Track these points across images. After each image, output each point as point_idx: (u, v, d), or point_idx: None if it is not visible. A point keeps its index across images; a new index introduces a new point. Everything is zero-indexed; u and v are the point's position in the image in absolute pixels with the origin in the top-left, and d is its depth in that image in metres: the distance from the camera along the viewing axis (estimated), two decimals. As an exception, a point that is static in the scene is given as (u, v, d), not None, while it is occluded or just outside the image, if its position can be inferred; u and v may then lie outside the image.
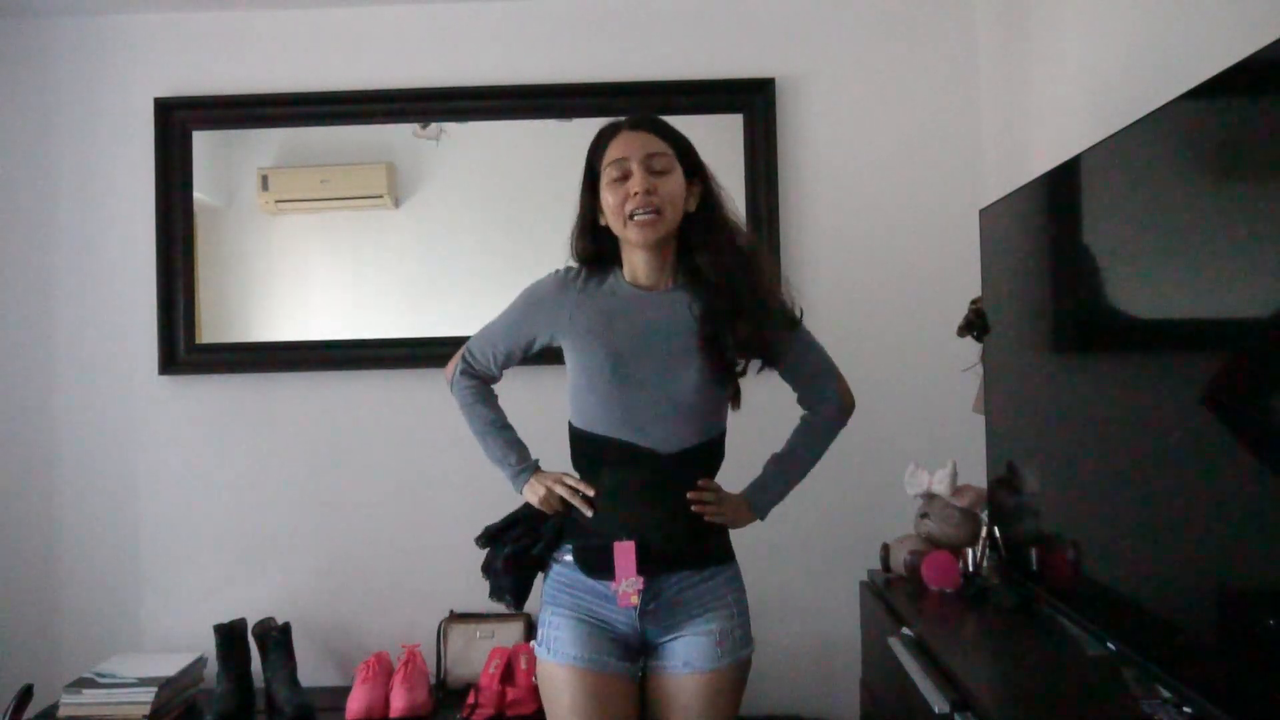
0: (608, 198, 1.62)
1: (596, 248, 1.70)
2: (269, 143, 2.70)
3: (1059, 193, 1.77)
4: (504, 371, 1.82)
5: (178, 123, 2.67)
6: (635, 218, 1.59)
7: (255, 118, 2.69)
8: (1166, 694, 1.34)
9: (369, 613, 2.66)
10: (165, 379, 2.67)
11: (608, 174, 1.62)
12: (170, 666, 2.46)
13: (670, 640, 1.63)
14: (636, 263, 1.67)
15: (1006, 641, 1.79)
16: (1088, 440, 1.65)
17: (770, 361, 1.69)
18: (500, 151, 2.69)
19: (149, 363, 2.66)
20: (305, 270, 2.70)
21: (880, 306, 2.63)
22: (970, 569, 2.01)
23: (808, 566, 2.62)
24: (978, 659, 1.75)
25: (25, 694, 2.26)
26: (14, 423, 2.69)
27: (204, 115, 2.68)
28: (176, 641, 2.64)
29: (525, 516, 1.74)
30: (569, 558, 1.66)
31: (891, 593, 2.06)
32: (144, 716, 2.32)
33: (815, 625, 2.62)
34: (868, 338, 2.63)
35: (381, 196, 2.67)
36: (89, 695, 2.35)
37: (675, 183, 1.62)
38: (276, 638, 2.49)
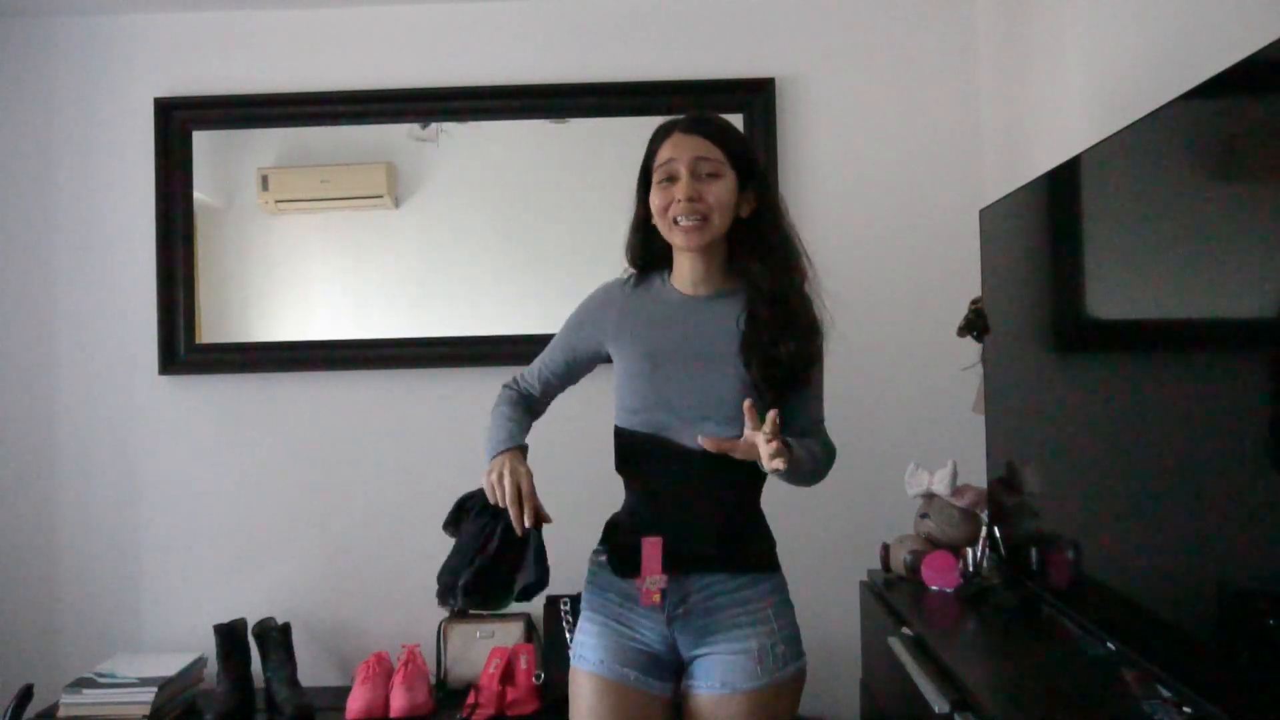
0: (655, 200, 1.60)
1: (646, 247, 1.68)
2: (269, 143, 2.70)
3: (1059, 193, 1.77)
4: (550, 397, 1.77)
5: (178, 123, 2.67)
6: (679, 223, 1.57)
7: (255, 118, 2.69)
8: (1166, 694, 1.34)
9: (369, 613, 2.66)
10: (165, 379, 2.67)
11: (657, 175, 1.60)
12: (170, 666, 2.46)
13: (704, 656, 1.56)
14: (684, 265, 1.64)
15: (1006, 641, 1.79)
16: (1088, 440, 1.65)
17: (795, 385, 1.60)
18: (500, 151, 2.69)
19: (149, 363, 2.66)
20: (305, 270, 2.70)
21: (880, 306, 2.63)
22: (970, 569, 2.01)
23: (808, 566, 2.61)
24: (978, 659, 1.75)
25: (25, 694, 2.27)
26: (14, 423, 2.69)
27: (204, 115, 2.68)
28: (176, 641, 2.64)
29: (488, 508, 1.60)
30: (603, 558, 1.63)
31: (891, 593, 2.06)
32: (144, 716, 2.32)
33: (815, 625, 2.60)
34: (868, 338, 2.63)
35: (381, 196, 2.67)
36: (89, 695, 2.34)
37: (724, 189, 1.58)
38: (276, 638, 2.49)
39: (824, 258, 2.63)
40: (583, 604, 1.65)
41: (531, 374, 1.76)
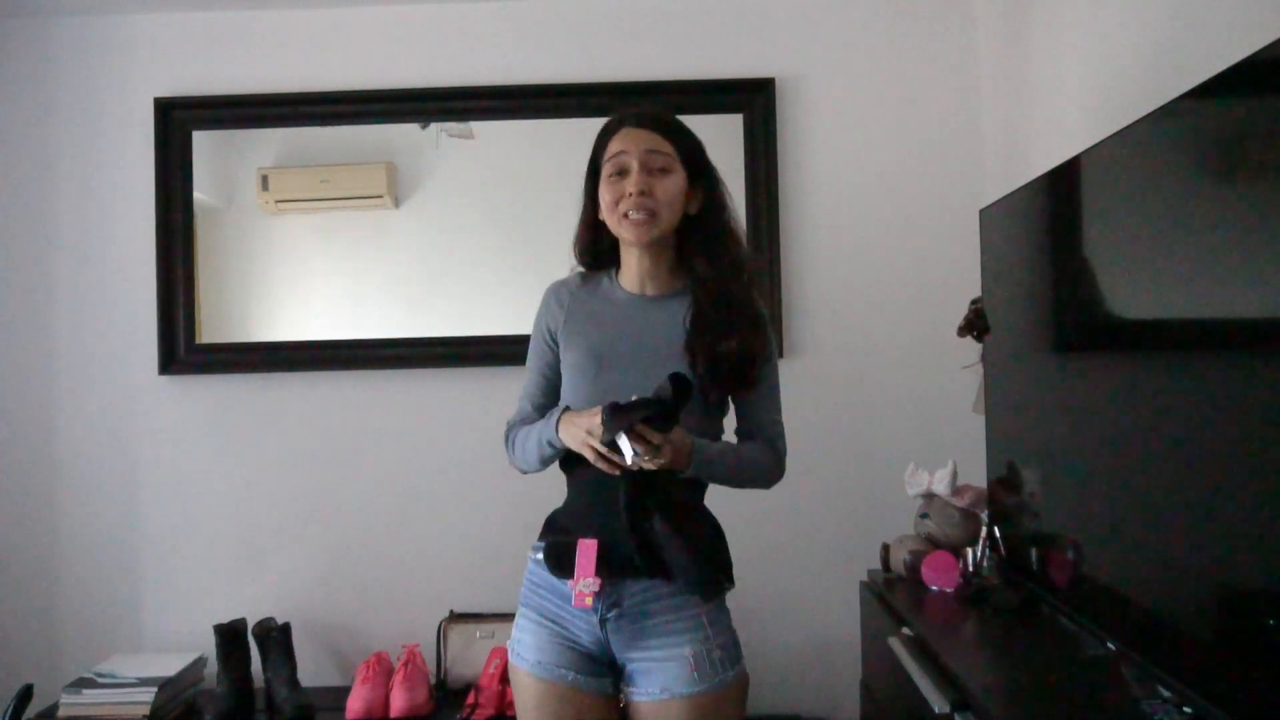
0: (604, 193, 1.58)
1: (596, 243, 1.67)
2: (269, 143, 2.70)
3: (1059, 193, 1.77)
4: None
5: (178, 123, 2.67)
6: (629, 216, 1.56)
7: (255, 118, 2.69)
8: (1166, 694, 1.34)
9: (369, 613, 2.66)
10: (165, 379, 2.67)
11: (606, 169, 1.58)
12: (170, 666, 2.46)
13: (641, 661, 1.55)
14: (631, 262, 1.63)
15: (1006, 641, 1.79)
16: (1088, 440, 1.65)
17: (743, 385, 1.59)
18: (500, 151, 2.69)
19: (149, 363, 2.66)
20: (305, 270, 2.70)
21: (880, 306, 2.63)
22: (970, 569, 2.01)
23: (808, 566, 2.62)
24: (978, 659, 1.75)
25: (25, 694, 2.27)
26: (14, 423, 2.69)
27: (204, 115, 2.68)
28: (176, 641, 2.64)
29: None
30: (540, 555, 1.61)
31: (891, 593, 2.06)
32: (144, 716, 2.32)
33: (815, 625, 2.62)
34: (868, 338, 2.63)
35: (381, 196, 2.67)
36: (89, 695, 2.35)
37: (674, 184, 1.57)
38: (276, 638, 2.49)
39: (824, 258, 2.67)
40: (520, 599, 1.64)
41: (521, 410, 1.71)
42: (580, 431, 1.50)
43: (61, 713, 2.35)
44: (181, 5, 2.66)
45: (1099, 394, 1.63)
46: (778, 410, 1.68)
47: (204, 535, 2.68)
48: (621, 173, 1.57)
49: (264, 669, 2.48)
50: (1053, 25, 2.17)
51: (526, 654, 1.58)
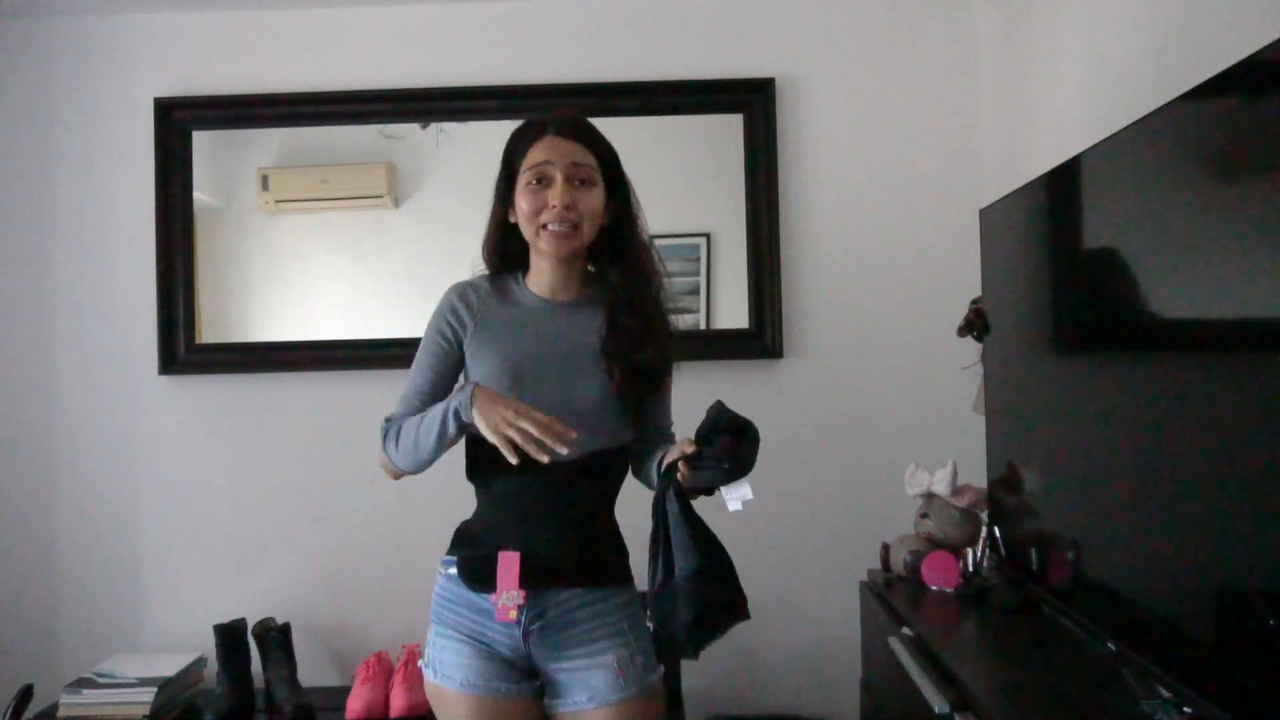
0: (522, 203, 1.56)
1: (506, 245, 1.65)
2: (269, 143, 2.70)
3: (1059, 193, 1.77)
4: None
5: (178, 123, 2.67)
6: (549, 228, 1.54)
7: (255, 118, 2.69)
8: (1166, 694, 1.34)
9: (369, 613, 2.66)
10: (165, 379, 2.67)
11: (526, 177, 1.56)
12: (170, 666, 2.46)
13: (565, 671, 1.55)
14: (544, 270, 1.62)
15: (1006, 641, 1.79)
16: (1088, 440, 1.65)
17: (653, 391, 1.61)
18: (500, 151, 2.68)
19: (149, 363, 2.66)
20: (305, 270, 2.70)
21: (880, 306, 2.63)
22: (970, 569, 2.01)
23: (808, 566, 2.62)
24: (978, 659, 1.75)
25: (25, 694, 2.27)
26: (14, 423, 2.68)
27: (204, 115, 2.67)
28: (176, 641, 2.64)
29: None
30: (453, 570, 1.57)
31: (891, 593, 2.06)
32: (144, 716, 2.32)
33: (815, 625, 2.62)
34: (868, 337, 2.64)
35: (381, 196, 2.67)
36: (89, 695, 2.34)
37: (596, 197, 1.56)
38: (276, 638, 2.49)
39: (824, 258, 2.67)
40: (432, 617, 1.61)
41: (404, 409, 1.63)
42: (503, 414, 1.42)
43: (61, 713, 2.35)
44: (181, 5, 2.66)
45: (1099, 394, 1.63)
46: (669, 418, 1.70)
47: (204, 535, 2.68)
48: (541, 181, 1.55)
49: (264, 669, 2.48)
50: (1053, 25, 2.17)
51: (452, 673, 1.54)
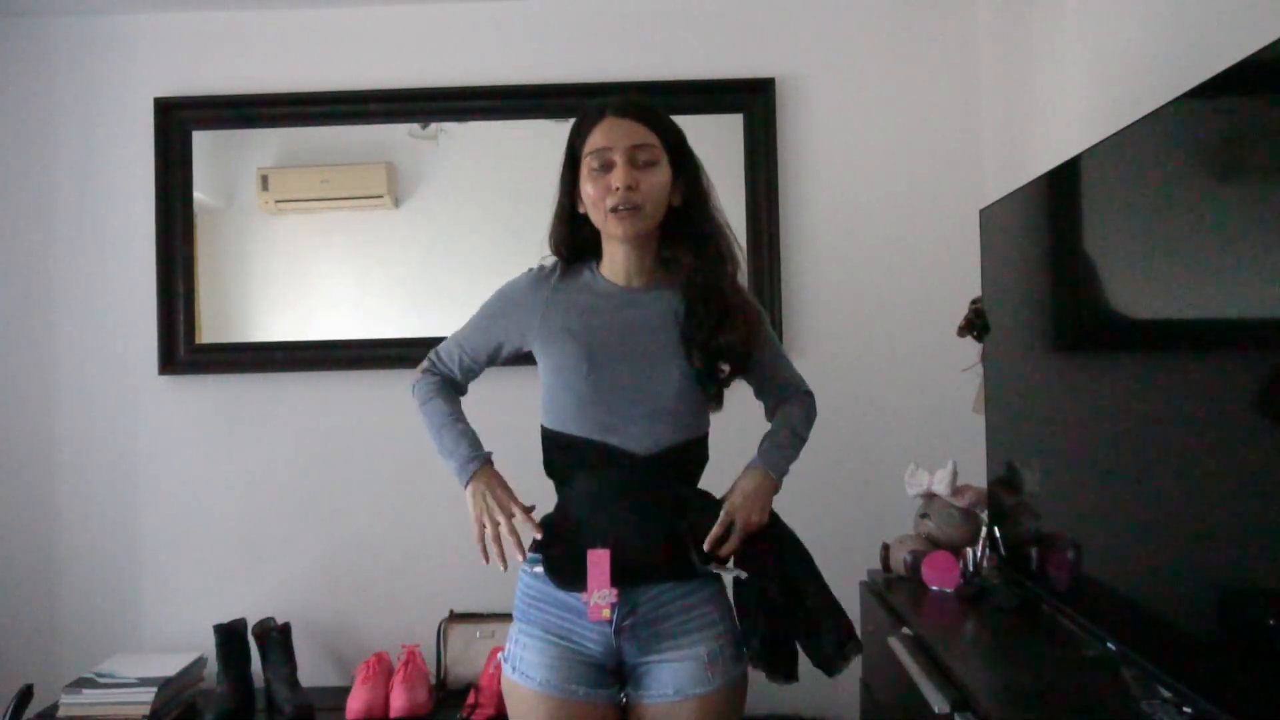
0: (588, 189, 1.53)
1: (575, 236, 1.62)
2: (269, 143, 2.70)
3: (1059, 193, 1.77)
4: (469, 382, 1.71)
5: (178, 123, 2.67)
6: (616, 211, 1.51)
7: (255, 118, 2.69)
8: (1166, 694, 1.34)
9: (369, 613, 2.66)
10: (165, 379, 2.67)
11: (588, 163, 1.53)
12: (170, 666, 2.46)
13: (653, 664, 1.52)
14: (617, 256, 1.58)
15: (1006, 641, 1.79)
16: (1088, 440, 1.65)
17: (744, 369, 1.61)
18: (500, 151, 2.69)
19: (149, 363, 2.66)
20: (305, 270, 2.70)
21: (880, 306, 2.63)
22: (970, 569, 2.01)
23: (808, 566, 2.62)
24: (978, 659, 1.75)
25: (25, 694, 2.27)
26: (14, 423, 2.69)
27: (204, 115, 2.68)
28: (176, 641, 2.64)
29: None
30: (539, 569, 1.55)
31: (891, 593, 2.06)
32: (144, 716, 2.32)
33: (815, 625, 2.61)
34: (868, 338, 2.64)
35: (381, 196, 2.67)
36: (89, 695, 2.35)
37: (660, 177, 1.53)
38: (276, 638, 2.49)
39: (824, 258, 2.67)
40: (516, 614, 1.59)
41: (450, 357, 1.68)
42: (488, 506, 1.54)
43: (61, 713, 2.35)
44: (181, 5, 2.66)
45: (1099, 394, 1.63)
46: (789, 365, 1.71)
47: (204, 535, 2.68)
48: (605, 167, 1.52)
49: (264, 669, 2.48)
50: (1053, 25, 2.17)
51: (532, 672, 1.52)
